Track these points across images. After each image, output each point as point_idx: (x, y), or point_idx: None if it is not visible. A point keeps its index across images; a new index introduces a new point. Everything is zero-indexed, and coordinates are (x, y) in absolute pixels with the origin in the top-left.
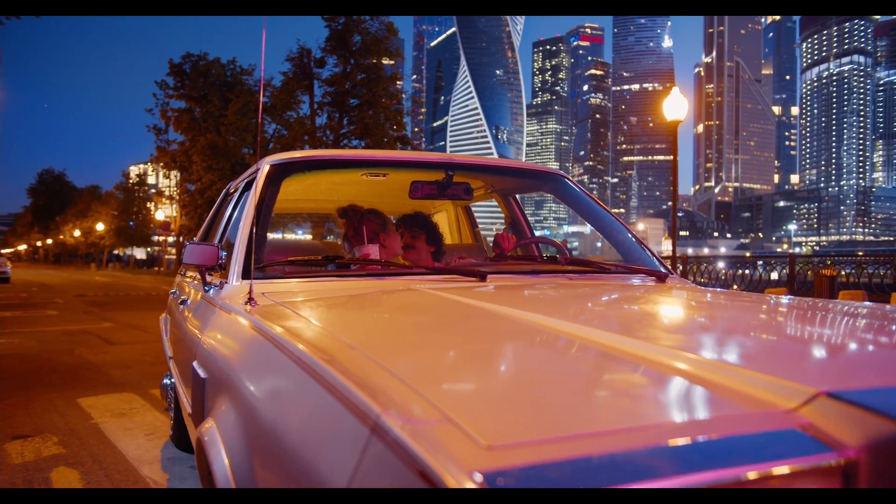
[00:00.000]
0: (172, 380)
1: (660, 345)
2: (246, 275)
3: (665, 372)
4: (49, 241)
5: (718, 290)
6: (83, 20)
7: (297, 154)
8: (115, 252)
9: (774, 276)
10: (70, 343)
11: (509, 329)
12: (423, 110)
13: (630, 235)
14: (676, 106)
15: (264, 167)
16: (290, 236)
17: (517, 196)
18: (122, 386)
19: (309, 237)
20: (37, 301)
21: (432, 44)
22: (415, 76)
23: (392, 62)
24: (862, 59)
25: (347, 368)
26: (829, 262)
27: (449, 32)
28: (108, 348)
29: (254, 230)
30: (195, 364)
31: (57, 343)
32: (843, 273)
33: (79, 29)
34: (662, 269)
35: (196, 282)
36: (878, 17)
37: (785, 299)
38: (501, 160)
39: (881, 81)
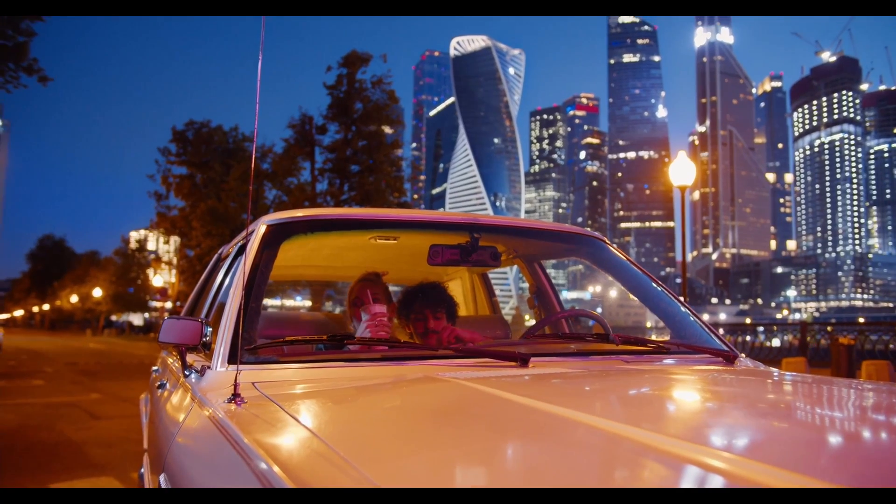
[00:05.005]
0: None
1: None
2: (233, 359)
3: None
4: (46, 307)
5: (802, 376)
6: (88, 88)
7: (298, 213)
8: (112, 318)
9: (776, 342)
10: (52, 417)
11: (584, 443)
12: (422, 177)
13: (682, 307)
14: (684, 171)
15: (260, 228)
16: (288, 303)
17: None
18: (101, 469)
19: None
20: (24, 370)
21: (431, 113)
22: (414, 144)
23: (392, 130)
24: (852, 128)
25: None
26: (829, 329)
27: (448, 102)
28: (92, 424)
29: (245, 302)
30: (162, 480)
31: (38, 417)
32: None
33: (82, 96)
34: (726, 348)
35: (178, 363)
36: (864, 88)
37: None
38: (533, 221)
39: (872, 150)
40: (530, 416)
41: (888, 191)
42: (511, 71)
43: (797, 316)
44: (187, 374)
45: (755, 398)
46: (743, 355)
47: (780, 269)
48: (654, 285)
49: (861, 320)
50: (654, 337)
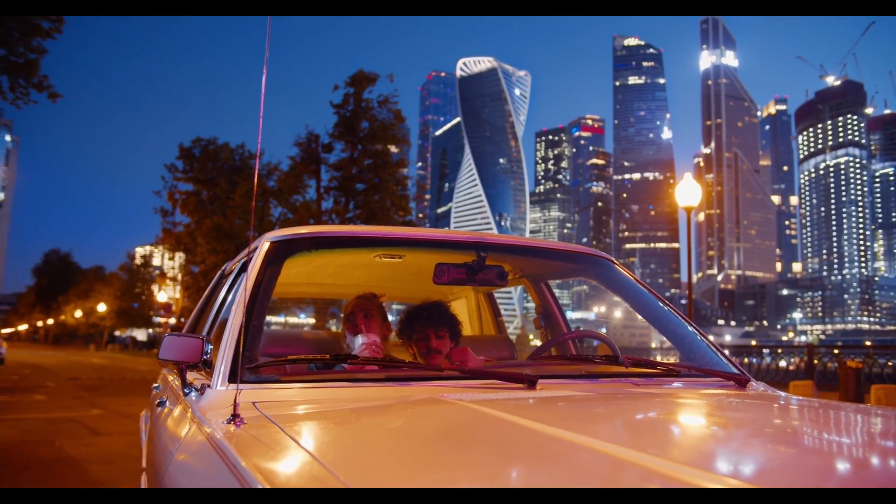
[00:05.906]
0: None
1: None
2: (233, 377)
3: None
4: (50, 322)
5: (816, 401)
6: (97, 104)
7: (302, 230)
8: (116, 333)
9: (783, 364)
10: (52, 433)
11: (593, 471)
12: (427, 196)
13: (691, 329)
14: (690, 192)
15: (263, 245)
16: (292, 321)
17: (549, 282)
18: (100, 486)
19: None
20: (27, 384)
21: (437, 132)
22: (420, 163)
23: (398, 149)
24: (857, 151)
25: None
26: (836, 352)
27: (454, 122)
28: (93, 440)
29: (246, 320)
30: None
31: (38, 433)
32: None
33: (91, 113)
34: (737, 371)
35: (178, 381)
36: (869, 111)
37: None
38: (540, 240)
39: (877, 173)
40: (538, 441)
41: (894, 214)
42: (517, 92)
43: (803, 338)
44: (187, 392)
45: (772, 424)
46: (753, 380)
47: (785, 292)
48: (663, 306)
49: (868, 343)
50: (658, 358)
